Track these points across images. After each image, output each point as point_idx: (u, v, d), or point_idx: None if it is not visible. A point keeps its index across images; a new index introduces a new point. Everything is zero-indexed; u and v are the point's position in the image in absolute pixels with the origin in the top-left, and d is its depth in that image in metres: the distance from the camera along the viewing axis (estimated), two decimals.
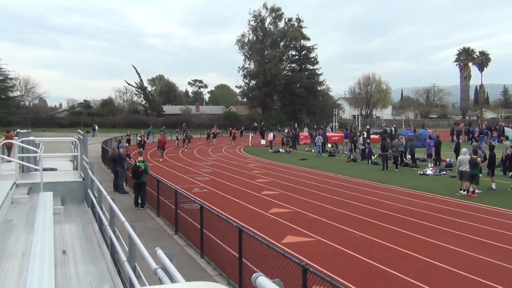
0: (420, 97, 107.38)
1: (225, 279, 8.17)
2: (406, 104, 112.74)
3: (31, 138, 11.85)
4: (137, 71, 73.89)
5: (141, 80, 75.46)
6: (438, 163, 23.94)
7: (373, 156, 26.85)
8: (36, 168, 10.80)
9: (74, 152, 14.07)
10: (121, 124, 65.67)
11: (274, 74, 70.25)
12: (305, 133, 45.12)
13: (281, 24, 74.50)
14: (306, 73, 75.82)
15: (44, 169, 9.89)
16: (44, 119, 68.33)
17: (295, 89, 72.62)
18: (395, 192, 16.67)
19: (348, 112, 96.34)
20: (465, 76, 79.59)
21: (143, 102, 79.76)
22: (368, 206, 14.13)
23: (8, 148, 18.65)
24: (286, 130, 39.62)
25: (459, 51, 79.96)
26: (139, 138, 29.59)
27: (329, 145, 35.24)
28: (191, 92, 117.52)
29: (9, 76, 64.93)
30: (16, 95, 73.31)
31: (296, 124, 60.69)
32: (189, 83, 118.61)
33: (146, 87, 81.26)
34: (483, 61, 78.62)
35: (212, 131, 44.55)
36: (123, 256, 5.26)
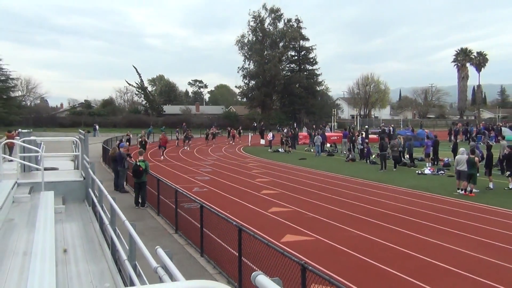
0: (418, 97, 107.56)
1: (225, 278, 8.22)
2: (405, 104, 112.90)
3: (32, 137, 11.88)
4: (137, 71, 74.08)
5: (141, 80, 75.63)
6: (436, 163, 24.02)
7: (371, 156, 26.91)
8: (37, 167, 10.85)
9: (75, 151, 14.10)
10: (121, 124, 65.77)
11: (274, 75, 70.36)
12: (304, 133, 45.18)
13: (281, 25, 74.78)
14: (305, 73, 76.01)
15: (45, 169, 9.94)
16: (45, 119, 68.45)
17: (294, 89, 72.74)
18: (393, 192, 16.74)
19: (347, 112, 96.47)
20: (463, 77, 79.72)
21: (144, 102, 79.83)
22: (366, 205, 14.19)
23: (10, 147, 18.71)
24: (285, 130, 39.66)
25: (457, 51, 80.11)
26: (140, 139, 29.45)
27: (328, 145, 35.30)
28: (191, 92, 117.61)
29: (11, 76, 65.18)
30: (17, 95, 73.61)
31: (295, 124, 60.76)
32: (189, 83, 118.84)
33: (147, 87, 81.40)
34: (480, 61, 78.75)
35: (211, 131, 44.50)
36: (123, 255, 5.30)
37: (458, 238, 10.44)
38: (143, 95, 78.34)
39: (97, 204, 8.09)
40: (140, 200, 14.58)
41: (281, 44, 74.14)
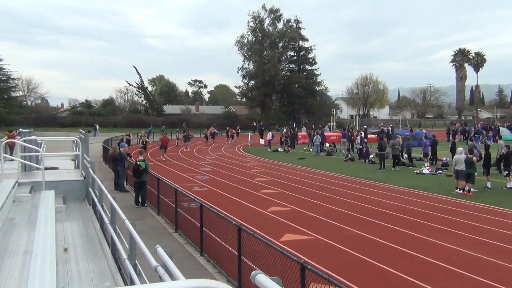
0: (416, 97, 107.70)
1: (224, 277, 8.26)
2: (403, 104, 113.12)
3: (33, 137, 11.92)
4: (137, 72, 74.06)
5: (141, 80, 75.62)
6: (434, 162, 24.06)
7: (370, 156, 26.97)
8: (38, 167, 10.89)
9: (76, 151, 14.14)
10: (122, 124, 65.82)
11: (273, 75, 70.41)
12: (303, 132, 45.21)
13: (280, 25, 74.82)
14: (304, 73, 76.08)
15: (46, 168, 9.98)
16: (46, 118, 68.51)
17: (293, 89, 72.80)
18: (392, 191, 16.78)
19: (345, 112, 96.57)
20: (461, 77, 79.77)
21: (144, 102, 79.82)
22: (365, 204, 14.24)
23: (11, 147, 18.72)
24: (284, 130, 39.70)
25: (455, 52, 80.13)
26: (141, 140, 29.36)
27: (327, 145, 35.33)
28: (191, 92, 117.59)
29: (12, 76, 65.22)
30: (18, 95, 73.66)
31: (294, 124, 60.80)
32: (189, 83, 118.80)
33: (147, 87, 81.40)
34: (478, 61, 78.79)
35: (210, 131, 44.38)
36: (123, 254, 5.32)
37: (456, 237, 10.48)
38: (143, 95, 78.34)
39: (97, 203, 8.13)
40: (140, 200, 14.61)
41: (280, 44, 74.19)
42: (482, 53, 79.62)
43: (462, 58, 78.98)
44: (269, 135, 37.78)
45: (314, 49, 76.13)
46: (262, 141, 42.39)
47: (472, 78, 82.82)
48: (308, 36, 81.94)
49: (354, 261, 8.93)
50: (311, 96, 74.31)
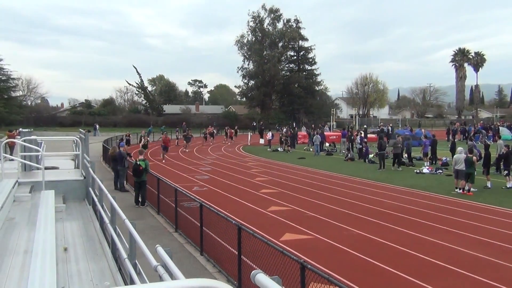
0: (416, 97, 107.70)
1: (224, 276, 8.27)
2: (403, 103, 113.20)
3: (33, 137, 11.93)
4: (137, 71, 74.02)
5: (141, 80, 75.60)
6: (434, 162, 24.08)
7: (370, 155, 26.98)
8: (38, 166, 10.89)
9: (76, 151, 14.15)
10: (121, 124, 65.88)
11: (273, 74, 70.42)
12: (303, 132, 45.23)
13: (280, 25, 74.79)
14: (304, 73, 76.11)
15: (46, 168, 9.99)
16: (46, 118, 68.54)
17: (293, 89, 72.82)
18: (391, 191, 16.79)
19: (345, 111, 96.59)
20: (461, 76, 79.80)
21: (144, 102, 79.81)
22: (365, 204, 14.25)
23: (11, 147, 18.72)
24: (284, 130, 39.71)
25: (455, 51, 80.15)
26: (142, 140, 29.16)
27: (327, 144, 35.35)
28: (191, 92, 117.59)
29: (12, 76, 65.25)
30: (18, 94, 73.69)
31: (294, 124, 60.81)
32: (189, 83, 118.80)
33: (147, 87, 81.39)
34: (478, 61, 78.84)
35: (209, 130, 44.25)
36: (123, 254, 5.33)
37: (456, 237, 10.49)
38: (143, 95, 78.35)
39: (97, 203, 8.14)
40: (140, 199, 14.62)
41: (280, 44, 74.19)
42: (481, 52, 79.75)
43: (462, 58, 79.02)
44: (269, 135, 37.79)
45: (314, 48, 76.26)
46: (262, 141, 42.39)
47: (472, 77, 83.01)
48: (308, 35, 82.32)
49: (354, 260, 8.94)
50: (311, 96, 74.34)
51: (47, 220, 6.06)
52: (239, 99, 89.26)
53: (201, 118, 70.61)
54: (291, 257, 5.72)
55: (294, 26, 74.49)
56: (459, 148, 17.76)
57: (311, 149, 34.10)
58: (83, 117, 67.95)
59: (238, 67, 74.60)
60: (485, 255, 9.14)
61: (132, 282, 4.78)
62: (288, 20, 74.79)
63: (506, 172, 17.30)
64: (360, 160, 27.35)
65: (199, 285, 1.84)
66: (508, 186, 16.90)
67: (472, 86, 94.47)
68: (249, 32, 73.55)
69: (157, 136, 43.55)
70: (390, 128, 43.38)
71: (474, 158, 16.23)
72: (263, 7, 72.89)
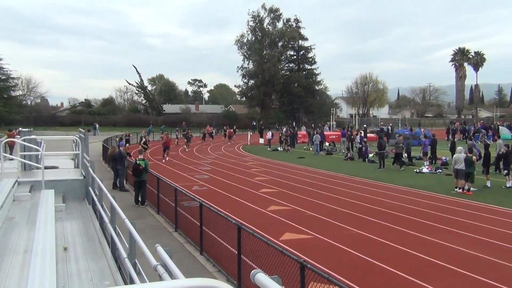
0: (416, 96, 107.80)
1: (224, 276, 8.27)
2: (403, 103, 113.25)
3: (33, 136, 11.93)
4: (137, 71, 74.03)
5: (141, 80, 75.59)
6: (434, 162, 24.08)
7: (369, 155, 26.98)
8: (37, 166, 10.90)
9: (75, 150, 14.16)
10: (121, 123, 65.92)
11: (273, 74, 70.42)
12: (303, 131, 45.24)
13: (280, 25, 74.80)
14: (304, 72, 76.07)
15: (46, 167, 9.99)
16: (46, 118, 68.55)
17: (293, 89, 72.82)
18: (391, 190, 16.80)
19: (345, 111, 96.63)
20: (461, 76, 79.83)
21: (143, 101, 79.80)
22: (365, 203, 14.25)
23: (10, 146, 18.73)
24: (284, 129, 39.72)
25: (454, 51, 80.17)
26: (143, 139, 28.98)
27: (327, 144, 35.37)
28: (191, 92, 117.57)
29: (12, 76, 65.25)
30: (18, 94, 73.81)
31: (294, 123, 60.81)
32: (189, 83, 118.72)
33: (146, 87, 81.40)
34: (478, 61, 78.85)
35: (207, 130, 44.14)
36: (123, 253, 5.33)
37: (456, 236, 10.50)
38: (143, 94, 78.36)
39: (97, 202, 8.14)
40: (140, 199, 14.62)
41: (280, 43, 74.20)
42: (481, 52, 79.76)
43: (461, 58, 79.04)
44: (269, 134, 37.80)
45: (314, 48, 76.31)
46: (261, 140, 42.38)
47: (471, 77, 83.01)
48: (307, 35, 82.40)
49: (354, 260, 8.94)
50: (311, 96, 74.36)
51: (46, 220, 6.06)
52: (239, 98, 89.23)
53: (201, 118, 70.60)
54: (291, 256, 5.73)
55: (294, 25, 74.51)
56: (458, 148, 17.76)
57: (310, 149, 34.10)
58: (83, 116, 67.95)
59: (238, 67, 74.77)
60: (485, 254, 9.14)
61: (132, 281, 4.78)
62: (288, 20, 74.86)
63: (505, 171, 17.30)
64: (359, 159, 27.36)
65: (199, 284, 1.84)
66: (507, 186, 16.91)
67: (472, 86, 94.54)
68: (249, 32, 73.67)
69: (157, 136, 43.57)
70: (390, 127, 43.41)
71: (474, 157, 16.23)
72: (263, 6, 72.98)
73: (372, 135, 39.78)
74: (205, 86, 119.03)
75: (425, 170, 21.71)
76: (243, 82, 75.08)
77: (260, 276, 2.29)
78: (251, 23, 73.12)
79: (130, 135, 33.84)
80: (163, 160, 27.20)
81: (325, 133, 37.34)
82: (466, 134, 39.91)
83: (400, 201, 14.70)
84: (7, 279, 4.43)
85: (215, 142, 42.29)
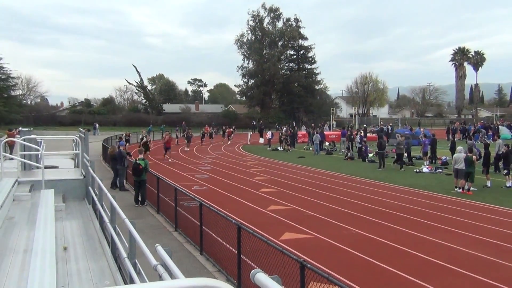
0: (416, 96, 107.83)
1: (224, 275, 8.27)
2: (403, 103, 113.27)
3: (32, 136, 11.93)
4: (137, 70, 74.05)
5: (141, 79, 75.63)
6: (434, 161, 24.08)
7: (369, 154, 26.97)
8: (37, 166, 10.90)
9: (75, 150, 14.16)
10: (121, 123, 65.97)
11: (273, 73, 70.46)
12: (303, 131, 45.25)
13: (280, 24, 74.90)
14: (304, 72, 76.10)
15: (46, 167, 9.98)
16: (46, 117, 68.63)
17: (293, 88, 72.83)
18: (391, 190, 16.80)
19: (345, 110, 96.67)
20: (461, 76, 79.83)
21: (143, 101, 79.84)
22: (365, 203, 14.24)
23: (10, 146, 18.74)
24: (284, 129, 39.72)
25: (454, 50, 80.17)
26: (145, 139, 28.85)
27: (327, 143, 35.38)
28: (191, 91, 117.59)
29: (11, 75, 65.34)
30: (18, 94, 73.89)
31: (294, 123, 60.83)
32: (189, 82, 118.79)
33: (146, 86, 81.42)
34: (478, 60, 78.85)
35: (206, 130, 44.09)
36: (123, 253, 5.33)
37: (456, 236, 10.50)
38: (142, 94, 78.43)
39: (97, 202, 8.14)
40: (140, 198, 14.62)
41: (280, 43, 74.24)
42: (481, 52, 79.77)
43: (461, 57, 79.03)
44: (269, 134, 37.81)
45: (314, 48, 76.36)
46: (261, 140, 42.39)
47: (471, 77, 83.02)
48: (307, 35, 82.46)
49: (354, 260, 8.94)
50: (311, 95, 74.39)
51: (46, 219, 6.06)
52: (238, 98, 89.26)
53: (200, 117, 70.67)
54: (291, 256, 5.72)
55: (294, 25, 74.56)
56: (458, 147, 17.75)
57: (310, 148, 34.11)
58: (83, 116, 68.00)
59: (238, 66, 74.88)
60: (484, 254, 9.14)
61: (131, 281, 4.78)
62: (288, 19, 74.92)
63: (505, 171, 17.30)
64: (359, 159, 27.36)
65: (198, 284, 1.84)
66: (507, 186, 16.91)
67: (472, 85, 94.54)
68: (248, 31, 73.73)
69: (157, 136, 43.55)
70: (390, 127, 43.41)
71: (474, 157, 16.23)
72: (263, 6, 73.09)
73: (372, 135, 39.78)
74: (205, 85, 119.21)
75: (425, 169, 21.70)
76: (243, 81, 75.27)
77: (260, 276, 2.28)
78: (251, 23, 73.26)
79: (130, 135, 33.82)
80: (169, 160, 26.62)
81: (325, 132, 37.36)
82: (466, 134, 39.94)
83: (400, 200, 14.70)
84: (7, 279, 4.43)
85: (214, 141, 42.28)
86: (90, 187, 9.55)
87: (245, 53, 73.77)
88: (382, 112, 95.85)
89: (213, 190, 16.84)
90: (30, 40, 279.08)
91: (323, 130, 40.27)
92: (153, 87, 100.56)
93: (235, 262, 7.66)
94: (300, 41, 75.30)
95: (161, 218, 12.86)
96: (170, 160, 26.88)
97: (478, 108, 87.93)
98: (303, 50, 76.11)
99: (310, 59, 76.73)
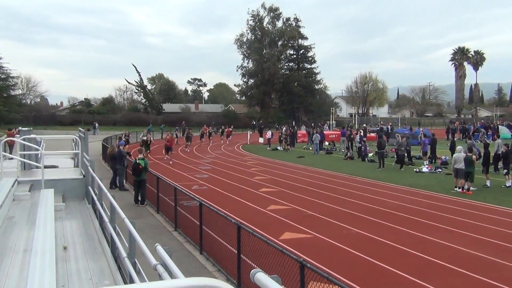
0: (416, 95, 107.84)
1: (223, 275, 8.27)
2: (402, 102, 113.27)
3: (32, 136, 11.92)
4: (137, 70, 73.95)
5: (141, 79, 75.50)
6: (433, 161, 24.09)
7: (369, 154, 26.97)
8: (37, 165, 10.89)
9: (75, 149, 14.15)
10: (121, 122, 65.93)
11: (272, 73, 70.43)
12: (302, 131, 45.26)
13: (279, 24, 74.83)
14: (303, 72, 76.10)
15: (45, 167, 9.97)
16: (46, 117, 68.55)
17: (293, 88, 72.82)
18: (391, 190, 16.80)
19: (345, 110, 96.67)
20: (460, 75, 79.90)
21: (143, 101, 79.76)
22: (364, 203, 14.24)
23: (10, 145, 18.74)
24: (284, 128, 39.73)
25: (454, 50, 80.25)
26: (145, 138, 28.71)
27: (327, 143, 35.39)
28: (191, 91, 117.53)
29: (11, 75, 65.18)
30: (18, 93, 73.75)
31: (294, 122, 60.84)
32: (189, 82, 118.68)
33: (146, 86, 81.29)
34: (478, 60, 78.90)
35: (204, 130, 43.98)
36: (123, 253, 5.32)
37: (456, 236, 10.50)
38: (142, 94, 78.34)
39: (97, 202, 8.13)
40: (139, 198, 14.61)
41: (280, 42, 74.18)
42: (481, 51, 79.81)
43: (461, 57, 79.09)
44: (269, 134, 37.82)
45: (314, 47, 76.30)
46: (261, 140, 42.39)
47: (471, 76, 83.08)
48: (307, 34, 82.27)
49: (354, 259, 8.94)
50: (311, 95, 74.41)
51: (46, 219, 6.06)
52: (238, 97, 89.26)
53: (200, 117, 70.63)
54: (291, 256, 5.72)
55: (294, 24, 74.52)
56: (458, 147, 17.76)
57: (310, 148, 34.11)
58: (83, 115, 67.94)
59: (237, 66, 74.80)
60: (485, 254, 9.15)
61: (131, 281, 4.78)
62: (288, 19, 74.87)
63: (505, 171, 17.31)
64: (359, 159, 27.36)
65: (198, 284, 1.84)
66: (507, 185, 16.92)
67: (471, 85, 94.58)
68: (248, 31, 73.66)
69: (157, 135, 43.50)
70: (389, 127, 43.43)
71: (474, 157, 16.23)
72: (263, 5, 73.01)
73: (372, 134, 39.76)
74: (205, 85, 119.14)
75: (424, 169, 21.71)
76: (243, 81, 75.22)
77: (260, 276, 2.28)
78: (250, 22, 73.19)
79: (130, 134, 33.80)
80: (170, 162, 26.17)
81: (324, 132, 37.39)
82: (466, 134, 39.94)
83: (400, 200, 14.70)
84: (7, 279, 4.43)
85: (214, 141, 42.25)
86: (90, 187, 9.55)
87: (245, 52, 73.75)
88: (382, 111, 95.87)
89: (213, 190, 16.84)
90: (30, 39, 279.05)
91: (323, 129, 40.31)
92: (153, 86, 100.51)
93: (235, 261, 7.65)
94: (300, 40, 75.30)
95: (161, 217, 12.86)
96: (171, 162, 26.27)
97: (477, 108, 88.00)
98: (303, 50, 76.09)
99: (310, 58, 76.74)
